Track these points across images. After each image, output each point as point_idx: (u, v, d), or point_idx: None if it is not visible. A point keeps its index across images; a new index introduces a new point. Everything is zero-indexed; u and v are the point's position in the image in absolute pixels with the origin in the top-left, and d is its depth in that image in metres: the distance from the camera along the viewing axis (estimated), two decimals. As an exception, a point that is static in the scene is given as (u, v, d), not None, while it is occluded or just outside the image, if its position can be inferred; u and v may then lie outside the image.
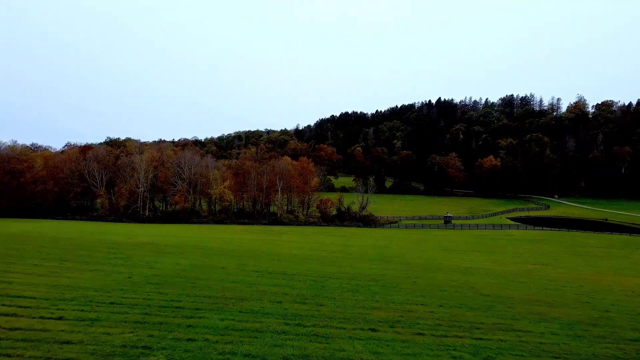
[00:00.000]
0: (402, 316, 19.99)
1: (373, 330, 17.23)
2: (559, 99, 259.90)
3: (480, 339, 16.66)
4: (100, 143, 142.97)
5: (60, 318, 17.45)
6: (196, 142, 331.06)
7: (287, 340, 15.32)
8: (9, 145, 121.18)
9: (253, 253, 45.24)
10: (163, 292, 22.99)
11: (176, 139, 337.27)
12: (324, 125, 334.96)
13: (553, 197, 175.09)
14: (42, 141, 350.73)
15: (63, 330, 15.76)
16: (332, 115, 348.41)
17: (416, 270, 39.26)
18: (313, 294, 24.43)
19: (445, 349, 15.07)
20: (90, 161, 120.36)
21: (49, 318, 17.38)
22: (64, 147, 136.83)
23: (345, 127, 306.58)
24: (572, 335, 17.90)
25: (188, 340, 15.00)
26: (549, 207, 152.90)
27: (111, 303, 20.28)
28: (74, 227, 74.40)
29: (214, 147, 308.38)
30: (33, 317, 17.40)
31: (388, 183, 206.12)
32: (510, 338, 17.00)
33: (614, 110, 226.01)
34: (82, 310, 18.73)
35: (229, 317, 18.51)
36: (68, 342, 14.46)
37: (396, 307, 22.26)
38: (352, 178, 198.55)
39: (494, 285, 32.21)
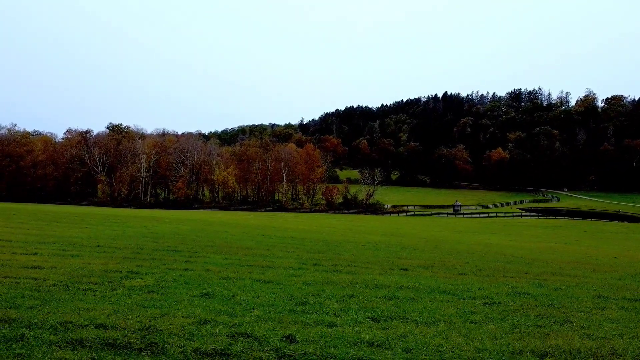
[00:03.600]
0: (435, 264, 17.21)
1: (405, 269, 14.47)
2: (567, 93, 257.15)
3: (537, 279, 13.85)
4: (102, 131, 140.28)
5: (35, 254, 14.76)
6: (199, 136, 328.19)
7: (305, 272, 12.57)
8: (8, 129, 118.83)
9: (258, 226, 42.58)
10: (159, 242, 20.32)
11: (179, 132, 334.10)
12: (328, 119, 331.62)
13: (562, 191, 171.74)
14: (43, 128, 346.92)
15: (35, 260, 13.08)
16: (337, 110, 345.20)
17: (434, 242, 36.40)
18: (328, 249, 21.72)
19: (500, 284, 12.26)
20: (91, 146, 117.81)
21: (22, 254, 14.68)
22: (65, 132, 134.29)
23: (350, 121, 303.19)
24: (641, 281, 15.07)
25: (185, 270, 12.29)
26: (558, 199, 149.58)
27: (98, 246, 17.62)
28: (72, 209, 72.01)
29: (218, 141, 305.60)
30: (3, 254, 14.71)
31: (394, 175, 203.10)
32: (570, 280, 14.19)
33: (625, 104, 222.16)
34: (64, 250, 16.07)
35: (233, 257, 15.81)
36: (37, 267, 11.76)
37: (424, 258, 19.50)
38: (357, 170, 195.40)
39: (522, 254, 29.32)
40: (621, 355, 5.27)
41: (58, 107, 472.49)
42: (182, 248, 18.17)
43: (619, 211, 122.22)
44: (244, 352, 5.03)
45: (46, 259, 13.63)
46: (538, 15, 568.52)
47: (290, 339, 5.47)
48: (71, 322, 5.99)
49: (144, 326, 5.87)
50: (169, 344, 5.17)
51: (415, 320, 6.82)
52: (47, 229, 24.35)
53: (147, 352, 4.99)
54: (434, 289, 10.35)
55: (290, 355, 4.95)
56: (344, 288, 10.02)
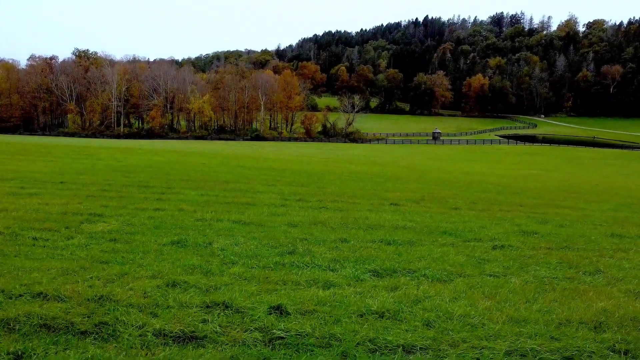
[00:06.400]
0: (425, 197, 16.28)
1: (395, 204, 13.49)
2: (549, 17, 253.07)
3: (535, 212, 13.06)
4: (68, 57, 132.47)
5: (-12, 193, 13.27)
6: (172, 62, 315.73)
7: (289, 211, 11.47)
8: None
9: (236, 156, 41.19)
10: (130, 177, 18.89)
11: (151, 59, 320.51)
12: (306, 45, 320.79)
13: (540, 117, 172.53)
14: (4, 54, 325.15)
15: (-16, 202, 11.63)
16: (315, 35, 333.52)
17: (417, 171, 35.70)
18: (311, 181, 20.64)
19: (501, 221, 11.35)
20: (57, 73, 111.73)
21: (-27, 194, 13.18)
22: (28, 59, 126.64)
23: (328, 47, 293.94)
24: None
25: (156, 210, 11.04)
26: (536, 126, 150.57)
27: (61, 182, 16.13)
28: (40, 140, 69.10)
29: (192, 68, 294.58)
30: (-49, 193, 13.19)
31: (373, 103, 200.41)
32: (570, 212, 13.47)
33: (606, 29, 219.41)
34: (22, 187, 14.56)
35: (210, 193, 14.58)
36: (-15, 210, 10.36)
37: (412, 190, 18.62)
38: (336, 98, 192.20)
39: (508, 182, 28.79)
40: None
41: (17, 32, 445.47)
42: (155, 183, 16.85)
43: (594, 137, 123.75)
44: (221, 334, 3.91)
45: (-1, 199, 12.19)
46: None
47: (280, 310, 4.36)
48: (3, 291, 4.77)
49: (96, 295, 4.68)
50: (124, 324, 4.01)
51: (424, 274, 5.79)
52: (7, 163, 22.58)
53: (94, 337, 3.83)
54: (432, 229, 9.38)
55: (282, 338, 3.86)
56: (334, 230, 8.98)
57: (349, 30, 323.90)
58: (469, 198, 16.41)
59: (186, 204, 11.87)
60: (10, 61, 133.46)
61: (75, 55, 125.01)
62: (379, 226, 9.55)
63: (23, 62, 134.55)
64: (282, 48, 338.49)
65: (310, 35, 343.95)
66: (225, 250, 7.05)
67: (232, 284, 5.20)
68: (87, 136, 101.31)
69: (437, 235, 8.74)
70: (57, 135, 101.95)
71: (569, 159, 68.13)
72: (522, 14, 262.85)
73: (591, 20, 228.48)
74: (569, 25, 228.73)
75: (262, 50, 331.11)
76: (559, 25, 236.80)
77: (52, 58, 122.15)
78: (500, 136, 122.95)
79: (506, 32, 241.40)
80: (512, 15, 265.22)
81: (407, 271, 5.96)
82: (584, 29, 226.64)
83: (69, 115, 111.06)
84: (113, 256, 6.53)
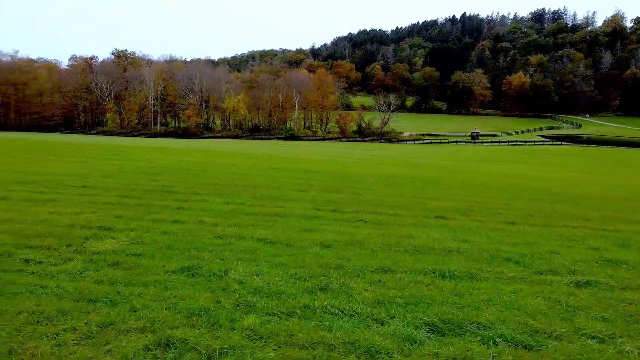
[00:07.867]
0: (473, 207, 14.64)
1: (442, 217, 11.93)
2: (594, 13, 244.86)
3: (606, 230, 11.28)
4: (107, 58, 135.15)
5: (4, 198, 12.49)
6: (208, 62, 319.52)
7: (322, 225, 10.10)
8: (10, 56, 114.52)
9: (269, 156, 40.12)
10: (156, 180, 17.94)
11: (187, 59, 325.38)
12: (340, 43, 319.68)
13: (584, 117, 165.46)
14: (47, 55, 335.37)
15: (-6, 209, 10.75)
16: (350, 33, 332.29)
17: (456, 173, 33.76)
18: (346, 186, 19.22)
19: (570, 242, 9.69)
20: (97, 73, 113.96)
21: (-12, 198, 12.41)
22: (69, 59, 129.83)
23: (363, 46, 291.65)
24: None
25: (173, 222, 9.88)
26: (580, 125, 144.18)
27: (83, 186, 15.28)
28: (77, 139, 70.08)
29: (227, 67, 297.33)
30: (-35, 198, 12.46)
31: (409, 102, 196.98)
32: (647, 230, 11.63)
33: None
34: (41, 192, 13.76)
35: (236, 201, 13.37)
36: (-11, 221, 9.42)
37: (457, 198, 16.96)
38: (371, 97, 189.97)
39: (560, 189, 26.52)
40: None
41: (59, 33, 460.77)
42: (180, 188, 15.81)
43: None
44: None
45: (11, 205, 11.34)
46: None
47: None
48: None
49: (58, 366, 3.45)
50: None
51: (501, 334, 4.32)
52: (34, 164, 22.10)
53: None
54: (493, 254, 7.84)
55: None
56: (374, 254, 7.58)
57: (384, 29, 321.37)
58: (523, 209, 14.68)
59: (208, 215, 10.68)
60: (53, 61, 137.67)
61: (114, 55, 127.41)
62: (428, 249, 8.08)
63: (65, 62, 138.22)
64: (316, 47, 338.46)
65: (344, 34, 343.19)
66: (244, 283, 5.76)
67: (242, 348, 3.89)
68: (125, 135, 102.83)
69: (501, 263, 7.21)
70: (97, 133, 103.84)
71: (620, 161, 64.22)
72: (565, 9, 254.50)
73: (639, 15, 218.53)
74: (615, 21, 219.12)
75: (296, 50, 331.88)
76: (604, 20, 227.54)
77: (92, 58, 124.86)
78: (543, 136, 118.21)
79: (548, 29, 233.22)
80: (554, 11, 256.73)
81: (475, 326, 4.51)
82: (631, 25, 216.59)
83: (107, 114, 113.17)
84: (107, 290, 5.34)
